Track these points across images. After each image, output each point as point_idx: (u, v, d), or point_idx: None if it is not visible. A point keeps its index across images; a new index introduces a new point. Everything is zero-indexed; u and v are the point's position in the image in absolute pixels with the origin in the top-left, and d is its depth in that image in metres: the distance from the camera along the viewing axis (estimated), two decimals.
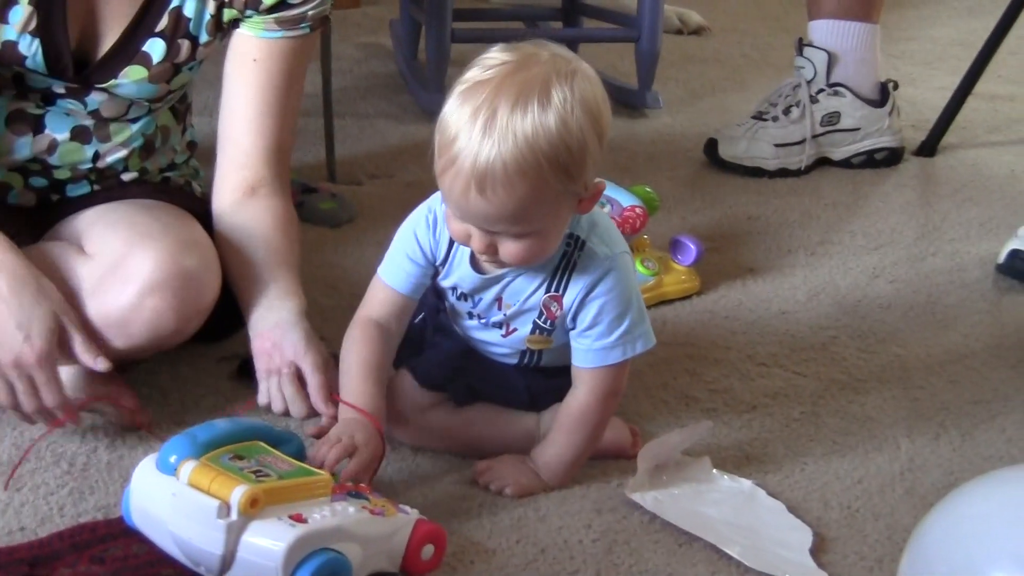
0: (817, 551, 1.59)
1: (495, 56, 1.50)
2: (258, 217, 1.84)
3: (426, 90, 2.93)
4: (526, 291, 1.62)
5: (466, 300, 1.65)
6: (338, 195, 2.46)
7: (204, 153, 2.09)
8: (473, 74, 1.49)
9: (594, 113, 1.49)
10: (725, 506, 1.66)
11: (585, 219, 1.60)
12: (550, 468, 1.66)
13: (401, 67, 3.18)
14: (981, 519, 1.32)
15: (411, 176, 2.61)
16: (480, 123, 1.45)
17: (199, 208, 1.87)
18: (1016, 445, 1.85)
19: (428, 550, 1.50)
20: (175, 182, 1.93)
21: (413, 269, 1.65)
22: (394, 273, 1.67)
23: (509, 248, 1.52)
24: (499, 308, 1.64)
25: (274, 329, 1.76)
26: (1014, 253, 2.33)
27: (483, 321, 1.67)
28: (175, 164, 1.95)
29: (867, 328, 2.15)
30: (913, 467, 1.78)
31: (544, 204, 1.49)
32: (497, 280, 1.62)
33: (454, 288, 1.65)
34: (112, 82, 1.77)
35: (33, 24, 1.70)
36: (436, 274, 1.66)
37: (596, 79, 1.52)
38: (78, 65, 1.76)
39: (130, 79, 1.78)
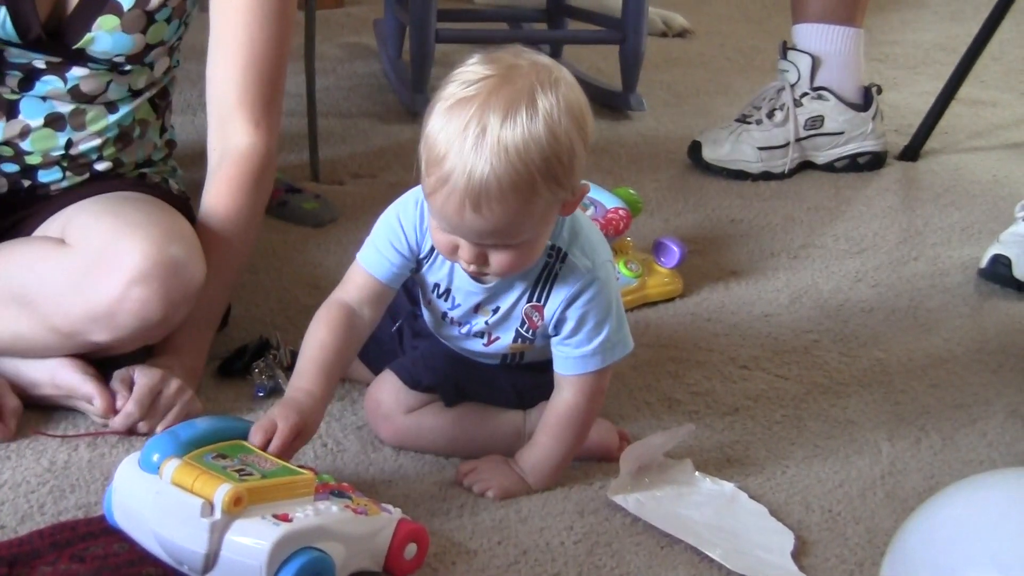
0: (798, 554, 1.60)
1: (475, 70, 1.48)
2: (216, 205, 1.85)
3: (410, 90, 2.93)
4: (507, 298, 1.62)
5: (445, 299, 1.65)
6: (321, 195, 2.45)
7: (184, 155, 2.09)
8: (455, 90, 1.47)
9: (579, 119, 1.49)
10: (707, 509, 1.66)
11: (567, 228, 1.60)
12: (535, 471, 1.66)
13: (385, 67, 3.18)
14: (962, 523, 1.32)
15: (394, 176, 2.61)
16: (471, 140, 1.44)
17: (176, 204, 1.86)
18: (996, 449, 1.86)
19: (411, 549, 1.49)
20: (151, 179, 1.92)
21: (395, 258, 1.63)
22: (374, 260, 1.64)
23: (499, 259, 1.52)
24: (476, 312, 1.64)
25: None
26: (996, 258, 2.34)
27: (464, 330, 1.66)
28: (152, 160, 1.94)
29: (849, 332, 2.16)
30: (894, 471, 1.79)
31: (535, 215, 1.49)
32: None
33: (436, 285, 1.65)
34: (87, 36, 1.76)
35: None
36: (418, 267, 1.64)
37: (575, 83, 1.52)
38: (52, 34, 1.76)
39: (104, 29, 1.77)
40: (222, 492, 1.37)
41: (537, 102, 1.46)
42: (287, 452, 1.52)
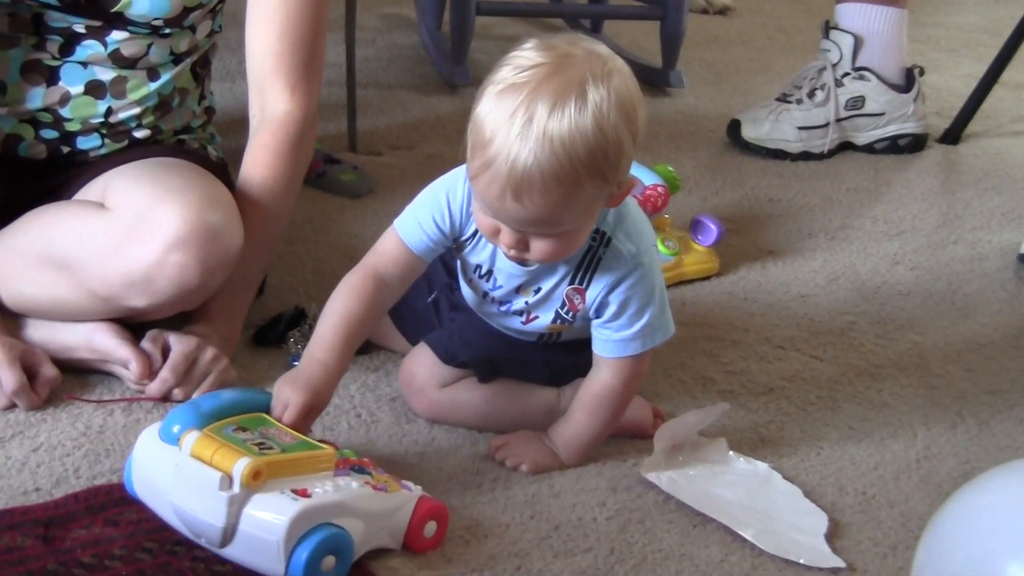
0: (831, 536, 1.59)
1: (529, 56, 1.46)
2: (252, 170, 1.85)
3: (449, 62, 2.92)
4: (549, 280, 1.61)
5: (487, 279, 1.64)
6: (359, 166, 2.45)
7: (224, 121, 2.09)
8: (507, 75, 1.45)
9: (629, 113, 1.46)
10: (740, 488, 1.66)
11: (612, 213, 1.58)
12: (568, 447, 1.66)
13: (424, 38, 3.17)
14: (998, 509, 1.32)
15: (432, 148, 2.61)
16: (517, 127, 1.42)
17: (215, 171, 1.86)
18: None
19: (431, 527, 1.48)
20: (189, 145, 1.93)
21: (434, 233, 1.61)
22: (413, 231, 1.62)
23: (539, 246, 1.51)
24: (517, 293, 1.63)
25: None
26: None
27: (503, 308, 1.66)
28: (191, 127, 1.95)
29: (886, 314, 2.15)
30: (929, 455, 1.78)
31: (578, 207, 1.48)
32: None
33: (478, 266, 1.64)
34: (124, 0, 1.77)
35: None
36: (458, 248, 1.63)
37: (630, 75, 1.49)
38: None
39: None
40: (241, 465, 1.36)
41: (587, 94, 1.43)
42: (299, 429, 1.51)
